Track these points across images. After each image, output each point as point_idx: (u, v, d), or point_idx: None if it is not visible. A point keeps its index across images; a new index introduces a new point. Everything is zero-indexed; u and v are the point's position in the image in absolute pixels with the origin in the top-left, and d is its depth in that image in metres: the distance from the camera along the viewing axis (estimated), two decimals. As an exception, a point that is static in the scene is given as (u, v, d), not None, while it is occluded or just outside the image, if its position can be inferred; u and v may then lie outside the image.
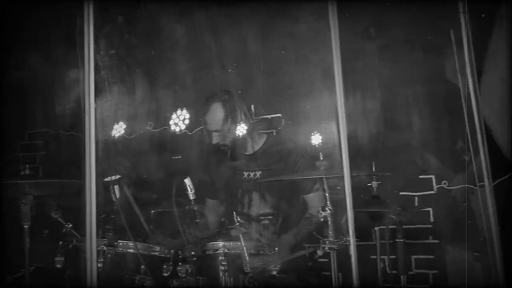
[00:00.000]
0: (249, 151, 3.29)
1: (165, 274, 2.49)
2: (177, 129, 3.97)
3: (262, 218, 3.12)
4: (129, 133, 4.16)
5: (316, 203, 3.16)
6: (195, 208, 2.42)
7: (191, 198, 2.44)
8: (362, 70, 3.49)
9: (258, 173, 3.23)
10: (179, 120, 3.98)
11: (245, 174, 3.25)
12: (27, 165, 2.50)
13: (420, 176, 3.65)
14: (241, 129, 3.25)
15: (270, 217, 3.11)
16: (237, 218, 2.40)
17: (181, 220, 2.39)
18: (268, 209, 3.12)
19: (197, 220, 2.44)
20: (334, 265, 2.52)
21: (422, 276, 3.58)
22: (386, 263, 2.89)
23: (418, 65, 3.45)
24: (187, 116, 3.95)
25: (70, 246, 2.55)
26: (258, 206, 3.19)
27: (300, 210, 3.21)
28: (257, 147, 3.30)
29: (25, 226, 2.53)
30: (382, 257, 2.87)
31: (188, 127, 4.07)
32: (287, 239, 2.97)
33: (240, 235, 2.39)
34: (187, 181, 2.40)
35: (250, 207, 3.18)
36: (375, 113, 3.58)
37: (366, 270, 2.09)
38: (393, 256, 2.62)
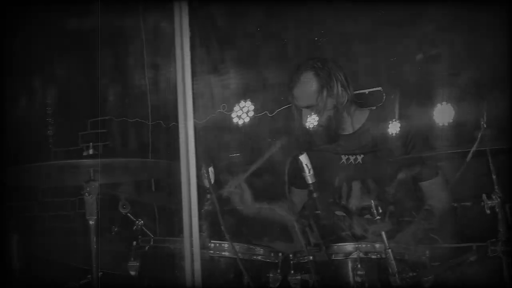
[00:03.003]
0: (348, 130, 2.66)
1: (272, 286, 1.84)
2: (240, 122, 3.40)
3: (365, 212, 2.44)
4: (199, 118, 3.61)
5: (437, 192, 2.51)
6: (315, 195, 1.74)
7: (310, 182, 1.76)
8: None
9: (360, 157, 2.58)
10: (243, 113, 3.40)
11: (344, 158, 2.62)
12: (90, 143, 1.91)
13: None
14: (338, 104, 2.61)
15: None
16: (378, 210, 1.70)
17: (297, 216, 1.73)
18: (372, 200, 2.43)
19: (318, 212, 1.76)
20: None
21: None
22: None
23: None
24: (251, 108, 3.37)
25: (146, 248, 1.94)
26: (359, 197, 2.51)
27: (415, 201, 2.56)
28: (358, 125, 2.65)
29: (90, 222, 1.94)
30: None
31: (269, 108, 3.48)
32: (403, 238, 2.27)
33: (383, 233, 1.69)
34: (303, 158, 1.73)
35: (349, 198, 2.51)
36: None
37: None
38: None
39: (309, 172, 1.77)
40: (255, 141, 3.39)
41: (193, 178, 1.39)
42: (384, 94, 3.45)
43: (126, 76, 3.78)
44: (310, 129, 2.62)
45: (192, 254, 1.39)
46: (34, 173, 1.92)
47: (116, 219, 2.27)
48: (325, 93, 2.56)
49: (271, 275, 1.86)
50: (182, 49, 1.42)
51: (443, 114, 2.81)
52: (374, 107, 3.21)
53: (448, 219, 2.55)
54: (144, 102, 3.76)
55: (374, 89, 3.52)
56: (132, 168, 1.89)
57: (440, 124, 2.80)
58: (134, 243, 2.00)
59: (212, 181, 1.71)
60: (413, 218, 2.47)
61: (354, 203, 2.46)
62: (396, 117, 2.73)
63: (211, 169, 1.70)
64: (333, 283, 1.80)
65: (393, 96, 3.45)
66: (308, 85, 2.58)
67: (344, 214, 2.12)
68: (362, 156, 2.62)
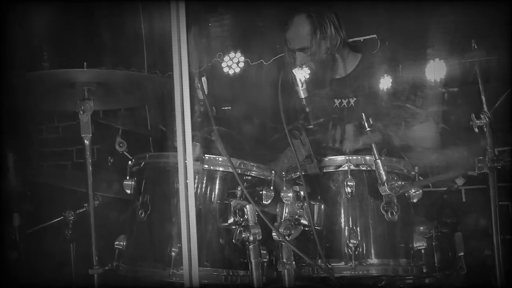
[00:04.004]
0: (341, 74, 2.67)
1: (265, 202, 1.88)
2: (231, 72, 3.38)
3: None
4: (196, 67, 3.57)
5: (426, 133, 2.53)
6: (308, 109, 1.77)
7: (302, 96, 1.79)
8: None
9: (352, 100, 2.59)
10: (233, 63, 3.38)
11: (336, 102, 2.63)
12: (84, 62, 1.91)
13: None
14: (331, 46, 2.59)
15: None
16: (368, 122, 1.73)
17: (290, 127, 1.75)
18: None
19: (311, 126, 1.79)
20: (494, 192, 1.86)
21: None
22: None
23: None
24: (242, 58, 3.34)
25: (142, 164, 1.96)
26: (353, 140, 2.55)
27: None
28: (351, 69, 2.66)
29: (86, 141, 1.96)
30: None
31: (263, 57, 3.46)
32: None
33: (373, 145, 1.73)
34: (296, 71, 1.75)
35: (343, 141, 2.54)
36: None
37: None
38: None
39: (302, 86, 1.79)
40: (251, 90, 3.39)
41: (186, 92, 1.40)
42: (378, 41, 3.45)
43: (123, 24, 3.74)
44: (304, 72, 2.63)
45: (185, 167, 1.41)
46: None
47: (113, 152, 2.28)
48: (318, 35, 2.56)
49: (263, 192, 1.89)
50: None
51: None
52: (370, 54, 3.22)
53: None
54: (140, 52, 3.73)
55: (369, 36, 3.51)
56: (128, 86, 1.88)
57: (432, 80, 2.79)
58: (130, 162, 2.02)
59: (206, 91, 1.73)
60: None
61: (348, 145, 2.49)
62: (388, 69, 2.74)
63: (204, 79, 1.71)
64: (324, 195, 1.84)
65: (387, 43, 3.45)
66: (301, 27, 2.58)
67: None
68: (354, 99, 2.64)
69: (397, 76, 2.65)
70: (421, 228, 2.07)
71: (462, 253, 2.14)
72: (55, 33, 3.40)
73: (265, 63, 3.47)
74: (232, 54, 3.38)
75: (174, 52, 1.41)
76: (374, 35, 3.46)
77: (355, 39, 3.46)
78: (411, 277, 1.95)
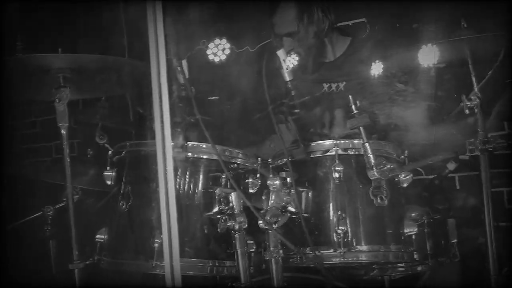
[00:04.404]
0: (329, 58, 2.62)
1: (251, 191, 1.81)
2: (216, 59, 3.29)
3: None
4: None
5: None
6: (293, 92, 1.70)
7: (288, 79, 1.72)
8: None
9: (342, 85, 2.54)
10: (218, 50, 3.29)
11: (325, 86, 2.58)
12: (60, 49, 1.83)
13: None
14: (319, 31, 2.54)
15: None
16: (355, 104, 1.67)
17: (275, 110, 1.68)
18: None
19: (297, 111, 1.72)
20: (485, 176, 1.81)
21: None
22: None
23: None
24: (227, 46, 3.27)
25: (123, 153, 1.89)
26: (343, 126, 2.49)
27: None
28: (339, 52, 2.60)
29: (62, 131, 1.88)
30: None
31: (249, 43, 3.38)
32: None
33: (361, 128, 1.67)
34: (281, 53, 1.68)
35: (332, 127, 2.49)
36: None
37: None
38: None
39: (287, 69, 1.73)
40: (236, 78, 3.32)
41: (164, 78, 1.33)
42: (368, 25, 3.39)
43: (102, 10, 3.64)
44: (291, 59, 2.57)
45: (164, 156, 1.34)
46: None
47: (93, 144, 2.20)
48: (305, 20, 2.50)
49: (249, 180, 1.83)
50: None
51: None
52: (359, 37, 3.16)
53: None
54: (120, 37, 3.63)
55: (358, 20, 3.45)
56: (106, 72, 1.80)
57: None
58: (109, 152, 1.94)
59: (187, 75, 1.65)
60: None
61: (337, 131, 2.44)
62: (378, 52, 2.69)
63: (184, 62, 1.63)
64: (312, 181, 1.78)
65: (377, 27, 3.39)
66: (287, 12, 2.53)
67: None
68: (344, 83, 2.58)
69: (387, 60, 2.61)
70: (412, 214, 2.03)
71: (455, 240, 2.09)
72: (29, 21, 3.30)
73: (251, 50, 3.40)
74: (217, 41, 3.30)
75: (150, 38, 1.34)
76: (364, 19, 3.41)
77: (344, 23, 3.41)
78: (402, 263, 1.90)
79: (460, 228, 2.13)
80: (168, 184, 1.32)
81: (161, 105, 1.22)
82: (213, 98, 3.33)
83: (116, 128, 2.47)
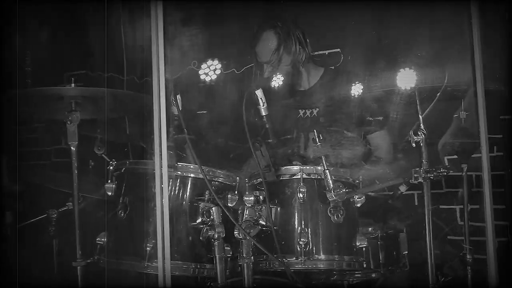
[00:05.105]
0: (305, 86, 2.95)
1: (230, 205, 2.15)
2: (208, 79, 3.61)
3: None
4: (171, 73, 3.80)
5: (382, 143, 2.88)
6: (267, 125, 2.05)
7: (263, 114, 2.07)
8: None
9: (315, 111, 2.87)
10: (210, 70, 3.62)
11: (301, 112, 2.91)
12: (72, 78, 2.16)
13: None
14: (296, 61, 2.88)
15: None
16: (318, 137, 2.03)
17: (252, 140, 2.03)
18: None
19: (270, 141, 2.07)
20: (427, 198, 2.17)
21: (501, 228, 3.21)
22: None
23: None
24: (219, 66, 3.59)
25: (123, 170, 2.22)
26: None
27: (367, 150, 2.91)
28: (314, 81, 2.94)
29: (72, 148, 2.21)
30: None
31: (235, 66, 3.71)
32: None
33: (323, 157, 2.02)
34: (259, 92, 2.03)
35: (307, 148, 2.84)
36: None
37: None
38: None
39: (263, 105, 2.07)
40: (222, 98, 3.64)
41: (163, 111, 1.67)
42: (342, 56, 3.76)
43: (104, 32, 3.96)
44: (271, 84, 2.91)
45: (161, 174, 1.68)
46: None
47: (94, 157, 2.51)
48: (281, 50, 2.84)
49: (229, 195, 2.15)
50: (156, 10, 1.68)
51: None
52: (333, 67, 3.53)
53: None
54: (120, 58, 3.96)
55: (333, 50, 3.81)
56: (110, 100, 2.14)
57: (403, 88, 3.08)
58: (110, 167, 2.27)
59: (180, 108, 1.99)
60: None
61: (311, 152, 2.79)
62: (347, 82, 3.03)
63: (178, 97, 1.97)
64: (280, 200, 2.13)
65: (349, 57, 3.76)
66: (268, 42, 2.86)
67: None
68: (317, 109, 2.93)
69: (356, 89, 2.96)
70: (369, 229, 2.38)
71: (406, 252, 2.46)
72: (36, 45, 3.62)
73: (236, 72, 3.75)
74: (209, 62, 3.63)
75: (153, 62, 1.66)
76: (338, 49, 3.77)
77: (321, 52, 3.78)
78: (354, 270, 2.24)
79: (416, 241, 2.49)
80: (163, 200, 1.66)
81: (160, 142, 1.55)
82: (202, 112, 3.67)
83: (115, 142, 2.79)
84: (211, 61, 3.52)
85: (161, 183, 1.68)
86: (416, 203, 3.21)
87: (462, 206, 2.56)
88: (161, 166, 1.67)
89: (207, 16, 3.78)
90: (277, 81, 2.91)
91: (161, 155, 1.63)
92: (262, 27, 2.92)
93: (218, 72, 3.52)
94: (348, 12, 3.55)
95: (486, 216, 1.49)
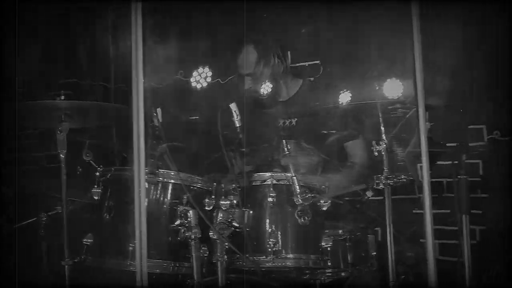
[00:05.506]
0: (284, 97, 3.14)
1: (208, 208, 2.34)
2: (198, 86, 3.78)
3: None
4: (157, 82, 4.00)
5: (357, 151, 3.04)
6: (241, 136, 2.25)
7: (237, 125, 2.26)
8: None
9: (294, 121, 3.07)
10: (201, 78, 3.80)
11: (281, 121, 3.10)
12: (62, 91, 2.35)
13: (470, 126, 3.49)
14: (275, 73, 3.07)
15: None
16: (287, 147, 2.22)
17: (226, 148, 2.22)
18: (305, 158, 2.96)
19: (243, 150, 2.26)
20: (388, 202, 2.37)
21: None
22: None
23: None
24: (209, 74, 3.77)
25: (109, 176, 2.40)
26: (294, 155, 3.03)
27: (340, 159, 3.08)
28: (292, 92, 3.14)
29: (61, 155, 2.39)
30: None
31: (220, 76, 3.91)
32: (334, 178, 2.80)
33: (290, 165, 2.22)
34: (233, 106, 2.23)
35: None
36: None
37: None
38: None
39: (237, 118, 2.27)
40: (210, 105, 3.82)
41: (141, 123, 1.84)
42: (321, 67, 3.97)
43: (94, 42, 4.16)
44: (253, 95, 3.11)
45: (139, 180, 1.84)
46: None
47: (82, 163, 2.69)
48: (262, 64, 3.04)
49: (206, 200, 2.35)
50: (136, 19, 1.84)
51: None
52: (312, 78, 3.74)
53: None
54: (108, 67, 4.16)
55: (313, 62, 4.02)
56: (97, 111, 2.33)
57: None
58: (97, 173, 2.45)
59: (160, 120, 2.19)
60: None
61: (289, 160, 2.97)
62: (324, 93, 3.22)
63: (159, 110, 2.17)
64: (252, 204, 2.32)
65: (329, 69, 3.97)
66: (248, 55, 3.06)
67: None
68: (296, 119, 3.13)
69: (331, 101, 3.15)
70: (339, 231, 2.58)
71: (374, 253, 2.66)
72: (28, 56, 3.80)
73: (221, 82, 3.94)
74: (200, 69, 3.79)
75: (133, 73, 1.82)
76: (318, 61, 3.98)
77: (301, 64, 3.98)
78: (320, 268, 2.43)
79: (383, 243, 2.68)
80: (141, 205, 1.83)
81: (138, 149, 1.73)
82: (193, 118, 3.85)
83: (102, 147, 2.98)
84: (202, 68, 3.67)
85: (139, 187, 1.84)
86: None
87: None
88: (139, 173, 1.83)
89: (185, 29, 3.99)
90: (258, 92, 3.10)
91: (139, 162, 1.80)
92: (243, 41, 3.12)
93: (209, 79, 3.69)
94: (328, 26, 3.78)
95: (425, 220, 1.68)
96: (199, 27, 4.08)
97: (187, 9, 3.99)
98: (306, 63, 4.01)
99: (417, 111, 1.70)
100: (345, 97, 2.98)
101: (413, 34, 1.67)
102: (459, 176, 2.35)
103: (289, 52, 3.21)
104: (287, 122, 3.15)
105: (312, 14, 3.86)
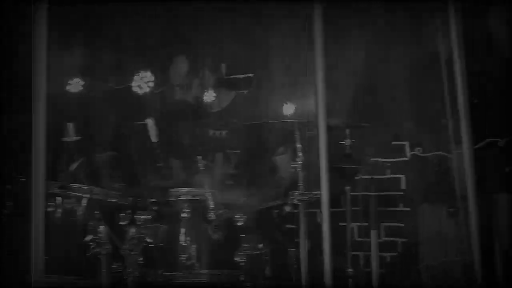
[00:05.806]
0: (216, 108, 3.16)
1: (123, 223, 2.31)
2: (140, 91, 3.72)
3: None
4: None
5: (285, 165, 3.09)
6: (158, 151, 2.25)
7: (154, 140, 2.26)
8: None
9: (224, 132, 3.11)
10: (143, 82, 3.72)
11: (211, 132, 3.12)
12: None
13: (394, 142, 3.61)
14: (206, 85, 3.09)
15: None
16: (202, 163, 2.24)
17: (141, 164, 2.21)
18: (232, 169, 2.99)
19: (159, 165, 2.26)
20: (302, 217, 2.43)
21: (390, 244, 3.52)
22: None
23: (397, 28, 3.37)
24: (152, 78, 3.72)
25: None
26: (221, 166, 3.06)
27: (268, 172, 3.11)
28: (224, 104, 3.18)
29: None
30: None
31: (154, 86, 3.86)
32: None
33: (205, 181, 2.24)
34: (149, 121, 2.22)
35: (213, 167, 3.05)
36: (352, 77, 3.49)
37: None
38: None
39: (154, 133, 2.27)
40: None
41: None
42: (254, 80, 4.01)
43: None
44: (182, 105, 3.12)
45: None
46: None
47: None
48: (191, 74, 3.06)
49: (122, 214, 2.31)
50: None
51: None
52: (246, 91, 3.77)
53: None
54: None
55: (247, 75, 4.05)
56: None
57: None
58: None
59: (72, 134, 2.16)
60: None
61: (217, 171, 3.00)
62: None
63: (70, 124, 2.14)
64: (167, 219, 2.32)
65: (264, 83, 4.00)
66: (179, 66, 3.08)
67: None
68: (226, 131, 3.14)
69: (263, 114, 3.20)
70: (259, 245, 2.60)
71: (295, 266, 2.69)
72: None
73: (155, 92, 3.90)
74: (142, 73, 3.69)
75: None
76: (251, 74, 4.02)
77: (235, 76, 4.00)
78: (233, 284, 2.45)
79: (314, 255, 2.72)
80: (39, 221, 1.76)
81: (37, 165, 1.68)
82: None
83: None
84: (144, 72, 3.53)
85: (37, 201, 1.78)
86: (319, 220, 3.47)
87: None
88: (38, 186, 1.77)
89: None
90: (187, 102, 3.11)
91: (38, 175, 1.74)
92: (175, 52, 3.12)
93: (151, 84, 3.54)
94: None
95: (323, 233, 1.74)
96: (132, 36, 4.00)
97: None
98: (241, 76, 4.03)
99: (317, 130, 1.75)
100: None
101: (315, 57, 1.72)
102: (369, 193, 2.43)
103: (223, 65, 3.23)
104: (217, 133, 3.16)
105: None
